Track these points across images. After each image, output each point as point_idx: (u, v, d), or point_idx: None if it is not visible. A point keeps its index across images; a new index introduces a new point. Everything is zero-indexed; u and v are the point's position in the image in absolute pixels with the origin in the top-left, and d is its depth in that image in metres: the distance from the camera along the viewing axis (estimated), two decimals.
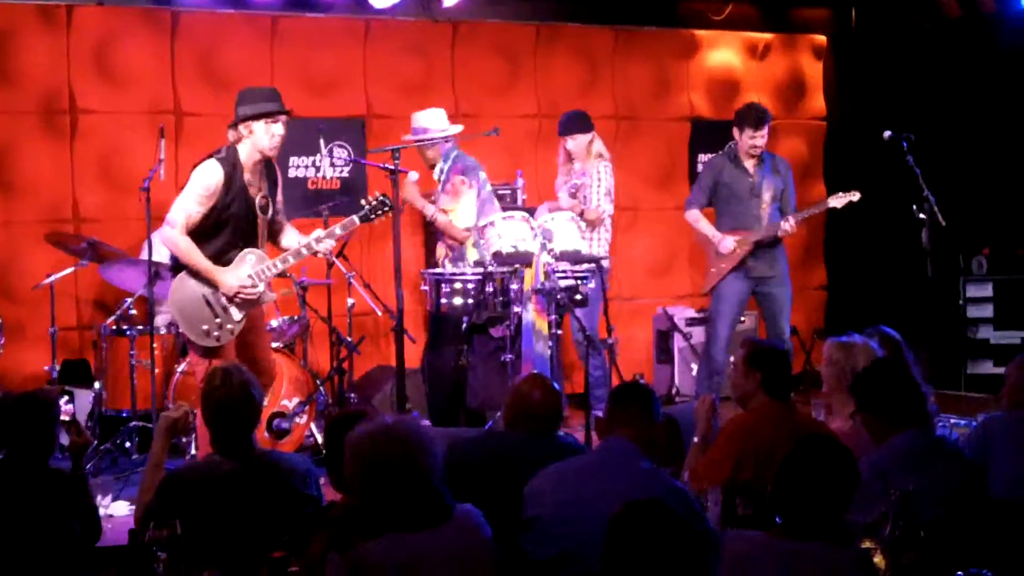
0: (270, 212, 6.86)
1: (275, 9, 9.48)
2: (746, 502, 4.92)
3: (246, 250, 6.75)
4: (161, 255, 8.06)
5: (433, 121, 8.52)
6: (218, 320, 6.68)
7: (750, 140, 8.87)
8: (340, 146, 9.64)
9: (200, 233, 6.67)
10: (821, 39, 11.66)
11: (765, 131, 8.90)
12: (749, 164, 8.92)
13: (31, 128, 8.93)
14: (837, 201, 8.91)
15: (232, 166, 6.69)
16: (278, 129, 6.74)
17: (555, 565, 4.49)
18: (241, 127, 6.71)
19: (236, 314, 6.72)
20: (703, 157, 11.15)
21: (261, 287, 6.74)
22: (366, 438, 4.01)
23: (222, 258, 6.71)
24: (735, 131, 8.96)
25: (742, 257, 8.84)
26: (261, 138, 6.70)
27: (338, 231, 6.92)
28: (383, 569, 3.86)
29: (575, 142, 8.95)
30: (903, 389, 4.98)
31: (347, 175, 9.78)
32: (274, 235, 6.99)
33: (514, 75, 10.44)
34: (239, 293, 6.66)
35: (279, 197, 6.99)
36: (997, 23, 10.52)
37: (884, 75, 11.28)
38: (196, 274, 6.68)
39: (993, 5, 10.41)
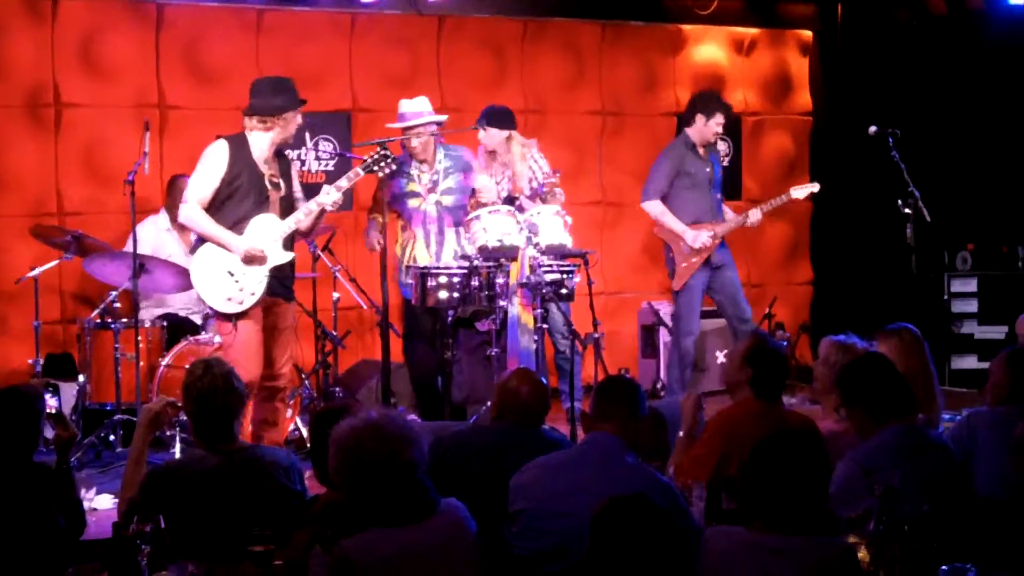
0: (283, 191, 7.10)
1: (260, 2, 9.45)
2: (731, 497, 4.93)
3: (259, 215, 6.99)
4: (144, 247, 8.07)
5: (424, 108, 8.35)
6: (239, 285, 6.95)
7: (717, 127, 8.91)
8: (325, 139, 9.62)
9: (216, 204, 6.96)
10: (807, 34, 11.66)
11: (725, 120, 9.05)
12: (702, 152, 8.94)
13: (15, 121, 8.90)
14: (799, 192, 9.04)
15: (239, 145, 7.00)
16: (297, 119, 7.13)
17: (540, 559, 4.49)
18: (277, 118, 7.01)
19: (256, 274, 6.96)
20: None
21: (277, 246, 6.97)
22: (350, 433, 4.01)
23: (239, 226, 6.96)
24: (700, 117, 8.89)
25: (712, 250, 8.84)
26: (292, 126, 7.08)
27: (344, 183, 7.14)
28: (367, 563, 3.85)
29: (487, 135, 8.67)
30: (888, 384, 4.99)
31: (332, 168, 9.76)
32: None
33: (500, 70, 10.43)
34: (250, 252, 6.91)
35: (295, 184, 7.26)
36: (983, 19, 10.53)
37: (870, 71, 11.29)
38: (215, 245, 6.97)
39: (979, 1, 10.42)
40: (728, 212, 9.19)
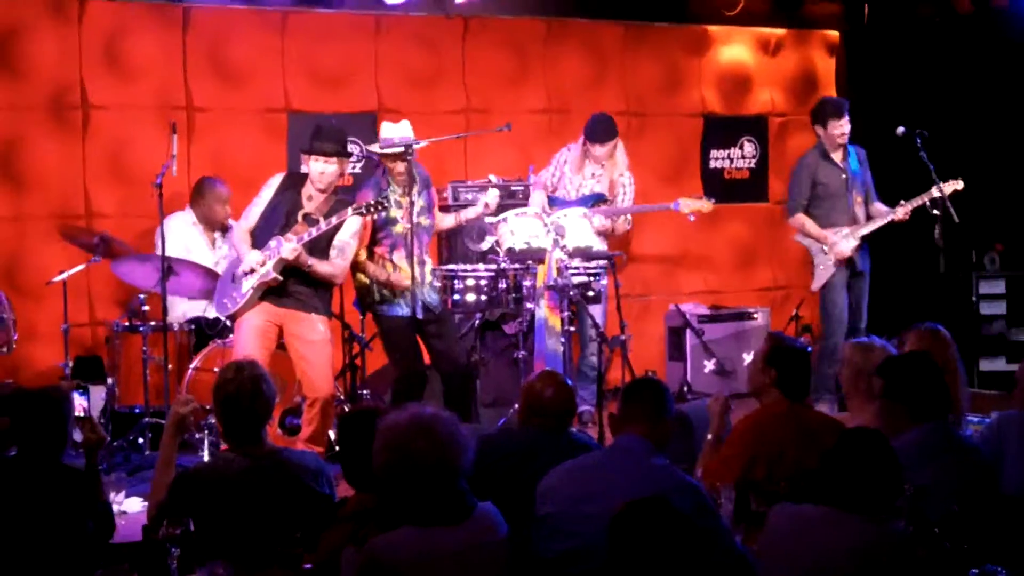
0: (318, 227, 7.25)
1: (285, 4, 9.46)
2: (759, 499, 4.92)
3: (276, 236, 7.30)
4: (172, 241, 8.11)
5: (408, 133, 7.96)
6: (233, 291, 7.44)
7: (837, 130, 9.14)
8: (351, 141, 9.60)
9: (257, 225, 7.47)
10: (833, 35, 11.63)
11: (848, 118, 9.19)
12: (838, 158, 9.19)
13: (42, 123, 8.93)
14: (945, 188, 8.91)
15: (294, 179, 7.53)
16: (317, 167, 7.32)
17: (564, 562, 4.48)
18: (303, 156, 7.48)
19: (244, 286, 7.37)
20: (715, 153, 11.15)
21: (269, 265, 7.26)
22: (403, 430, 4.00)
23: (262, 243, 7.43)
24: (817, 129, 9.22)
25: (853, 255, 9.11)
26: (311, 171, 7.36)
27: (334, 220, 7.23)
28: (397, 562, 3.85)
29: (596, 150, 8.99)
30: (932, 384, 5.01)
31: (359, 171, 9.76)
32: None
33: (524, 70, 10.42)
34: (250, 263, 7.34)
35: (341, 239, 7.35)
36: (1008, 17, 10.47)
37: (896, 70, 11.24)
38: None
39: None
40: (880, 207, 9.29)
